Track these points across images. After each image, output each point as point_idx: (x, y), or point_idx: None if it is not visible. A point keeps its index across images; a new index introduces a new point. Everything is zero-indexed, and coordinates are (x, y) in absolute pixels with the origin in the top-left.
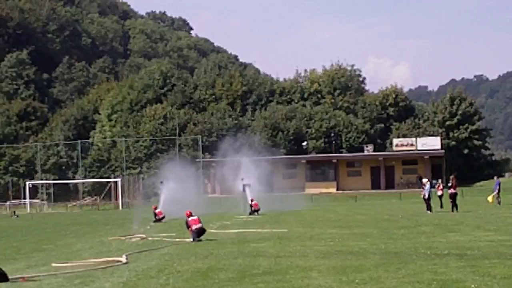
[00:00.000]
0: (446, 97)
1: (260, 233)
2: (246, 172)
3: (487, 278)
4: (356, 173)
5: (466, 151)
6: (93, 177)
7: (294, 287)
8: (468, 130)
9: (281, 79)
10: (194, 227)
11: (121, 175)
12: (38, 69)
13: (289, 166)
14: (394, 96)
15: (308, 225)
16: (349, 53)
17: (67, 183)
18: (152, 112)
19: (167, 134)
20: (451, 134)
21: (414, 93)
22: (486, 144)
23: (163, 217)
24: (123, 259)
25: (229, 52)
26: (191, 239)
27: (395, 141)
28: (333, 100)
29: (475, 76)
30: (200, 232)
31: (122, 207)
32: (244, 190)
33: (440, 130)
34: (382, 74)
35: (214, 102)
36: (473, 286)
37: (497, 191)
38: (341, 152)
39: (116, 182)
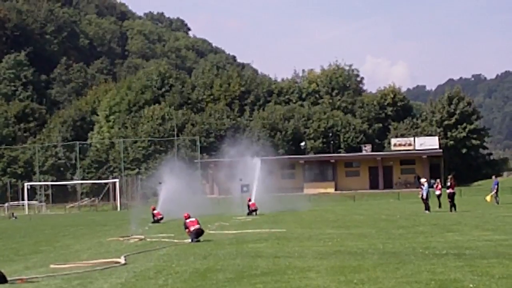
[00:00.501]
0: (444, 97)
1: (258, 234)
2: (246, 173)
3: (486, 277)
4: (354, 173)
5: (464, 150)
6: (91, 178)
7: (292, 287)
8: (466, 129)
9: (279, 79)
10: (192, 228)
11: (119, 176)
12: (36, 70)
13: (287, 167)
14: (392, 96)
15: (306, 226)
16: (347, 53)
17: (65, 184)
18: (150, 113)
19: (165, 135)
20: (449, 133)
21: (412, 92)
22: (484, 144)
23: (161, 218)
24: (122, 260)
25: (227, 53)
26: (190, 240)
27: (393, 141)
28: (331, 100)
29: (473, 76)
30: (199, 233)
31: (120, 208)
32: (242, 190)
33: (438, 130)
34: (380, 74)
35: (212, 103)
36: (471, 285)
37: (495, 190)
38: (339, 152)
39: (114, 183)
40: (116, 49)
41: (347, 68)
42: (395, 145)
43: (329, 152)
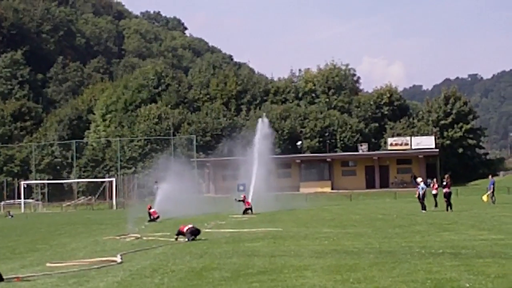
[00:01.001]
0: (441, 97)
1: (254, 233)
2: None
3: (481, 277)
4: (350, 173)
5: (460, 150)
6: (87, 177)
7: (288, 286)
8: (463, 129)
9: (275, 79)
10: (186, 228)
11: (116, 175)
12: (32, 69)
13: (283, 166)
14: (388, 95)
15: (302, 225)
16: (343, 52)
17: (61, 183)
18: (146, 112)
19: (162, 134)
20: (445, 133)
21: (408, 92)
22: (481, 143)
23: (157, 217)
24: (118, 258)
25: (224, 52)
26: (186, 239)
27: (390, 140)
28: (327, 100)
29: (469, 75)
30: (194, 232)
31: (116, 206)
32: (238, 189)
33: (435, 129)
34: (377, 74)
35: (208, 102)
36: (467, 285)
37: (491, 190)
38: (336, 152)
39: (110, 182)
40: (113, 48)
41: (343, 67)
42: (391, 144)
43: (325, 152)
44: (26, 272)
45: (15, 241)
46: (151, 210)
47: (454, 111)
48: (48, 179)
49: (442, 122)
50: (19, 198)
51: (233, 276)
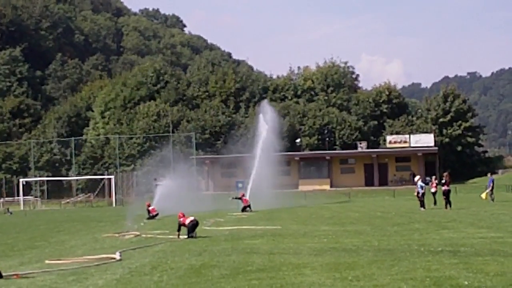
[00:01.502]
0: (440, 94)
1: (253, 230)
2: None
3: (480, 275)
4: (349, 170)
5: (459, 148)
6: (86, 174)
7: (287, 284)
8: (462, 127)
9: (274, 76)
10: (188, 220)
11: (115, 172)
12: (31, 66)
13: (282, 163)
14: (387, 93)
15: (301, 222)
16: (342, 50)
17: (60, 180)
18: (145, 109)
19: (161, 131)
20: (444, 131)
21: (407, 90)
22: (480, 141)
23: (156, 214)
24: (117, 256)
25: (223, 49)
26: (185, 236)
27: (389, 138)
28: (326, 97)
29: (468, 73)
30: (195, 225)
31: (115, 204)
32: (237, 187)
33: (434, 127)
34: (376, 72)
35: (207, 99)
36: (466, 283)
37: (490, 188)
38: (335, 149)
39: (109, 179)
40: (112, 45)
41: (342, 65)
42: (390, 142)
43: (324, 149)
44: (25, 269)
45: (14, 238)
46: (150, 208)
47: (453, 109)
48: (47, 176)
49: (441, 120)
50: (18, 195)
51: (232, 274)
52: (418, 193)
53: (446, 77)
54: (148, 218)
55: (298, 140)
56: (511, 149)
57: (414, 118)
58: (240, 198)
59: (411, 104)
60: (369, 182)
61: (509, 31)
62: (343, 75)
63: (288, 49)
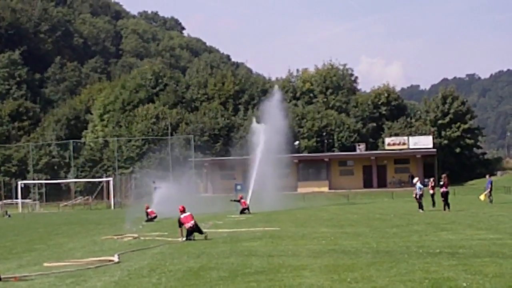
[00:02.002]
0: (438, 96)
1: (252, 232)
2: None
3: (479, 276)
4: (348, 172)
5: (458, 150)
6: (85, 177)
7: (286, 286)
8: (460, 129)
9: (273, 79)
10: (188, 225)
11: (113, 174)
12: (30, 69)
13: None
14: (386, 95)
15: (300, 224)
16: (341, 52)
17: (59, 183)
18: (144, 112)
19: (159, 134)
20: (443, 133)
21: (406, 92)
22: (478, 143)
23: (155, 217)
24: (115, 258)
25: (221, 52)
26: (183, 238)
27: (387, 140)
28: (325, 99)
29: (467, 75)
30: (193, 230)
31: (114, 206)
32: (236, 189)
33: (432, 129)
34: (375, 74)
35: (206, 102)
36: (464, 284)
37: (489, 189)
38: (333, 151)
39: (108, 181)
40: (110, 48)
41: (341, 67)
42: (389, 144)
43: (323, 151)
44: (24, 272)
45: (13, 241)
46: (149, 210)
47: (451, 111)
48: (46, 179)
49: (440, 121)
50: (16, 198)
51: (230, 276)
52: (416, 194)
53: (445, 79)
54: (147, 221)
55: (297, 142)
56: (510, 151)
57: (413, 120)
58: (238, 201)
59: (410, 106)
60: (368, 184)
61: (507, 33)
62: (342, 77)
63: (287, 51)
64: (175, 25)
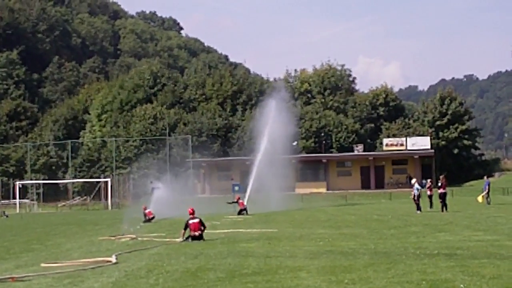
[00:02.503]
0: (436, 97)
1: (249, 233)
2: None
3: (476, 278)
4: (346, 173)
5: (456, 151)
6: (83, 177)
7: (283, 287)
8: (458, 130)
9: (271, 79)
10: (192, 233)
11: (111, 175)
12: (28, 69)
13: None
14: (384, 96)
15: (297, 225)
16: (339, 53)
17: (57, 183)
18: (142, 112)
19: (157, 134)
20: (441, 134)
21: (404, 92)
22: (476, 144)
23: (153, 217)
24: (113, 259)
25: (219, 52)
26: (182, 239)
27: (385, 141)
28: (323, 100)
29: (465, 76)
30: (196, 238)
31: (112, 207)
32: (233, 190)
33: (430, 130)
34: (373, 74)
35: (204, 102)
36: (462, 286)
37: (486, 191)
38: (331, 152)
39: (106, 182)
40: (108, 48)
41: (339, 68)
42: (387, 145)
43: (321, 152)
44: (21, 272)
45: (10, 241)
46: (147, 211)
47: (449, 112)
48: (44, 179)
49: (438, 122)
50: (14, 198)
51: (228, 277)
52: (414, 196)
53: (443, 80)
54: (145, 221)
55: (294, 143)
56: (508, 152)
57: (411, 121)
58: (236, 202)
59: (408, 107)
60: (365, 185)
61: (505, 34)
62: (340, 77)
63: (285, 52)
64: (173, 25)
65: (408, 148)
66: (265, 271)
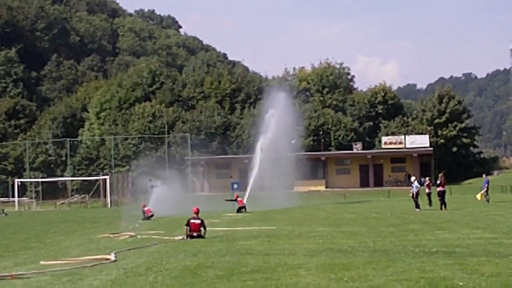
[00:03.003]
0: (435, 95)
1: (248, 231)
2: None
3: (475, 275)
4: (345, 171)
5: (454, 149)
6: (81, 175)
7: (282, 285)
8: (457, 128)
9: (270, 77)
10: (191, 233)
11: (110, 173)
12: (26, 67)
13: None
14: (382, 94)
15: (296, 223)
16: (338, 51)
17: (55, 181)
18: (140, 110)
19: (156, 132)
20: (439, 132)
21: (402, 91)
22: (475, 142)
23: (151, 215)
24: (112, 257)
25: (218, 50)
26: (180, 237)
27: (384, 139)
28: (321, 98)
29: (463, 74)
30: (194, 237)
31: (110, 205)
32: (232, 188)
33: (429, 128)
34: (371, 73)
35: (202, 100)
36: (461, 283)
37: (485, 189)
38: (330, 150)
39: (104, 180)
40: (107, 46)
41: (338, 66)
42: (385, 143)
43: (319, 150)
44: (20, 270)
45: (9, 239)
46: (145, 208)
47: (448, 110)
48: (42, 177)
49: (437, 121)
50: (13, 196)
51: (226, 275)
52: (413, 193)
53: (442, 78)
54: (144, 219)
55: (293, 141)
56: (506, 150)
57: (410, 119)
58: (235, 200)
59: (406, 105)
60: (364, 183)
61: (504, 32)
62: (339, 76)
63: (283, 50)
64: (172, 24)
65: (407, 146)
66: (264, 268)
